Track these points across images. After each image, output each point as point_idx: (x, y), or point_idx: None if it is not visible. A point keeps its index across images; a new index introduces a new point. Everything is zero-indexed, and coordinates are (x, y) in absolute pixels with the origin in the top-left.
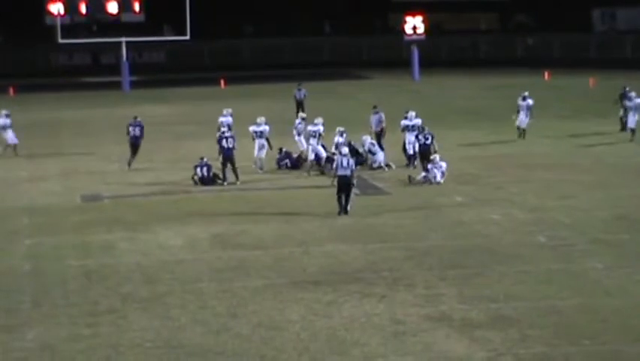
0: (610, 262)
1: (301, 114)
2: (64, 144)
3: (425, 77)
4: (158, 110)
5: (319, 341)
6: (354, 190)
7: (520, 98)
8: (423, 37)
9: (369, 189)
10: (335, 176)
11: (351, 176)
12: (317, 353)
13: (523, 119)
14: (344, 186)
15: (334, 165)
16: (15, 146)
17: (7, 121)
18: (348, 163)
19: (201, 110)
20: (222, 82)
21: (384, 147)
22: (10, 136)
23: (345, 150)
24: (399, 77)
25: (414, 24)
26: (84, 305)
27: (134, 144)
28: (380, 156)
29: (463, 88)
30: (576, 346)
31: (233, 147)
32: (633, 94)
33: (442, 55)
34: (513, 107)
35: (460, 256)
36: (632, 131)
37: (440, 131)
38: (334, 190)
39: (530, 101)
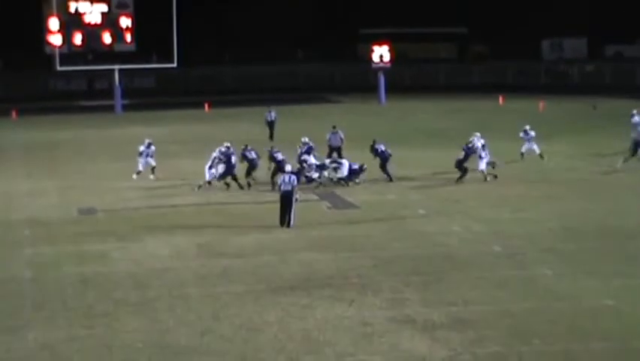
0: (558, 269)
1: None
2: (62, 162)
3: (390, 102)
4: (147, 131)
5: (295, 341)
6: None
7: (522, 133)
8: (389, 65)
9: (339, 203)
10: (279, 191)
11: (292, 191)
12: (293, 353)
13: (532, 148)
14: (286, 200)
15: (279, 181)
16: (153, 168)
17: (149, 150)
18: (290, 179)
19: (187, 131)
20: (207, 105)
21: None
22: (149, 161)
23: (289, 167)
24: (366, 101)
25: (380, 53)
26: (80, 309)
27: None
28: (344, 169)
29: (425, 111)
30: (528, 345)
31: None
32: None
33: (405, 81)
34: (472, 127)
35: (423, 264)
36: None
37: (404, 150)
38: (308, 204)
39: (532, 133)
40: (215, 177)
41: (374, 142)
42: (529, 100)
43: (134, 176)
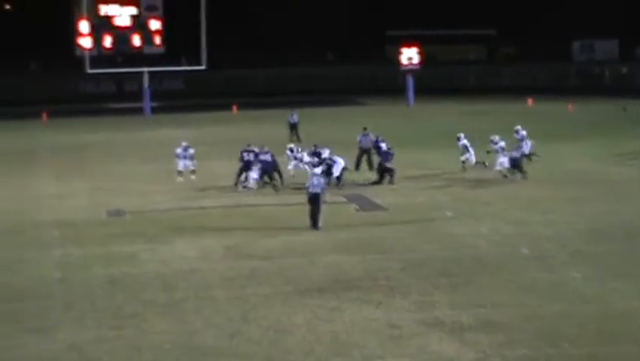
0: (587, 271)
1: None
2: (91, 164)
3: (419, 104)
4: (176, 133)
5: (323, 343)
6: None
7: (515, 134)
8: (418, 67)
9: (367, 205)
10: (307, 194)
11: (321, 193)
12: (321, 355)
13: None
14: (315, 202)
15: (307, 184)
16: (193, 171)
17: (186, 153)
18: (318, 182)
19: (216, 133)
20: (235, 107)
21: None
22: (187, 163)
23: (318, 170)
24: (394, 103)
25: (409, 55)
26: (109, 310)
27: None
28: (338, 168)
29: (453, 114)
30: (557, 348)
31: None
32: None
33: (434, 83)
34: (500, 130)
35: (451, 266)
36: None
37: (432, 152)
38: (336, 206)
39: (502, 143)
40: (257, 179)
41: (377, 139)
42: (558, 102)
43: (178, 178)
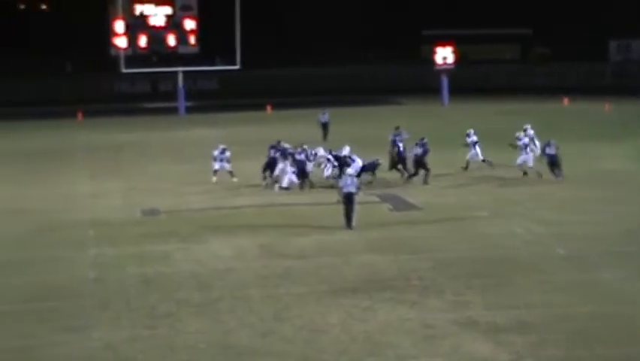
0: (620, 272)
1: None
2: (126, 164)
3: (453, 103)
4: (210, 132)
5: (357, 343)
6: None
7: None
8: (452, 66)
9: (401, 205)
10: (340, 193)
11: (355, 192)
12: (355, 354)
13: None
14: (349, 201)
15: (341, 184)
16: (230, 172)
17: (223, 155)
18: (352, 181)
19: (250, 133)
20: (269, 107)
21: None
22: (224, 165)
23: (351, 170)
24: (429, 102)
25: (444, 54)
26: (143, 309)
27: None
28: (355, 167)
29: (487, 113)
30: (589, 350)
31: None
32: None
33: (468, 83)
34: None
35: (485, 266)
36: None
37: (465, 151)
38: (369, 206)
39: (475, 137)
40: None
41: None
42: (594, 102)
43: (214, 178)
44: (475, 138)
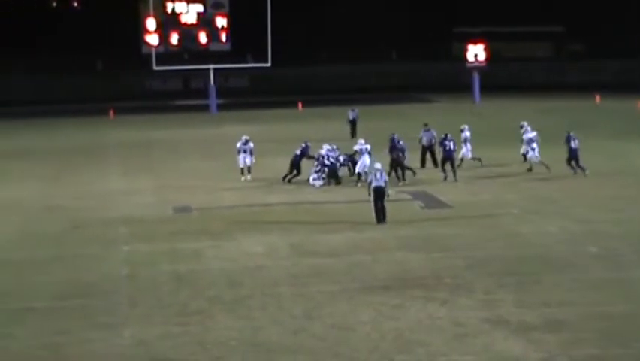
0: None
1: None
2: (157, 161)
3: (485, 101)
4: (241, 130)
5: (388, 340)
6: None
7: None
8: (484, 64)
9: (432, 203)
10: (369, 188)
11: (384, 187)
12: (386, 352)
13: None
14: (379, 196)
15: (369, 179)
16: (249, 168)
17: (246, 147)
18: (380, 175)
19: (281, 130)
20: (300, 105)
21: (437, 161)
22: (247, 158)
23: (379, 165)
24: (460, 100)
25: (475, 52)
26: (175, 306)
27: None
28: (361, 165)
29: (519, 111)
30: (625, 348)
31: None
32: None
33: (500, 80)
34: (567, 126)
35: (517, 265)
36: None
37: (497, 149)
38: (401, 203)
39: (468, 133)
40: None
41: (446, 136)
42: (627, 99)
43: (242, 177)
44: (468, 134)
